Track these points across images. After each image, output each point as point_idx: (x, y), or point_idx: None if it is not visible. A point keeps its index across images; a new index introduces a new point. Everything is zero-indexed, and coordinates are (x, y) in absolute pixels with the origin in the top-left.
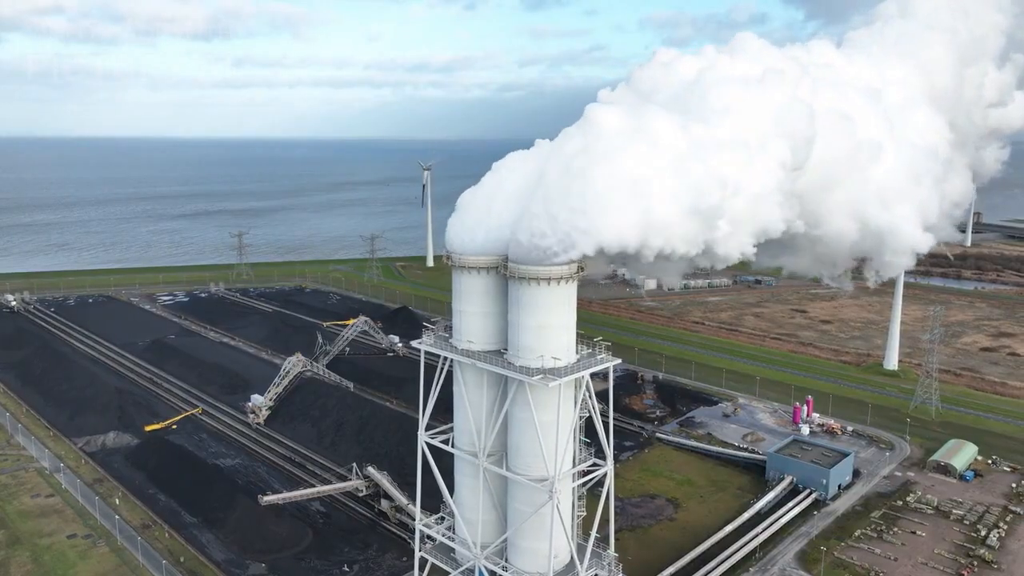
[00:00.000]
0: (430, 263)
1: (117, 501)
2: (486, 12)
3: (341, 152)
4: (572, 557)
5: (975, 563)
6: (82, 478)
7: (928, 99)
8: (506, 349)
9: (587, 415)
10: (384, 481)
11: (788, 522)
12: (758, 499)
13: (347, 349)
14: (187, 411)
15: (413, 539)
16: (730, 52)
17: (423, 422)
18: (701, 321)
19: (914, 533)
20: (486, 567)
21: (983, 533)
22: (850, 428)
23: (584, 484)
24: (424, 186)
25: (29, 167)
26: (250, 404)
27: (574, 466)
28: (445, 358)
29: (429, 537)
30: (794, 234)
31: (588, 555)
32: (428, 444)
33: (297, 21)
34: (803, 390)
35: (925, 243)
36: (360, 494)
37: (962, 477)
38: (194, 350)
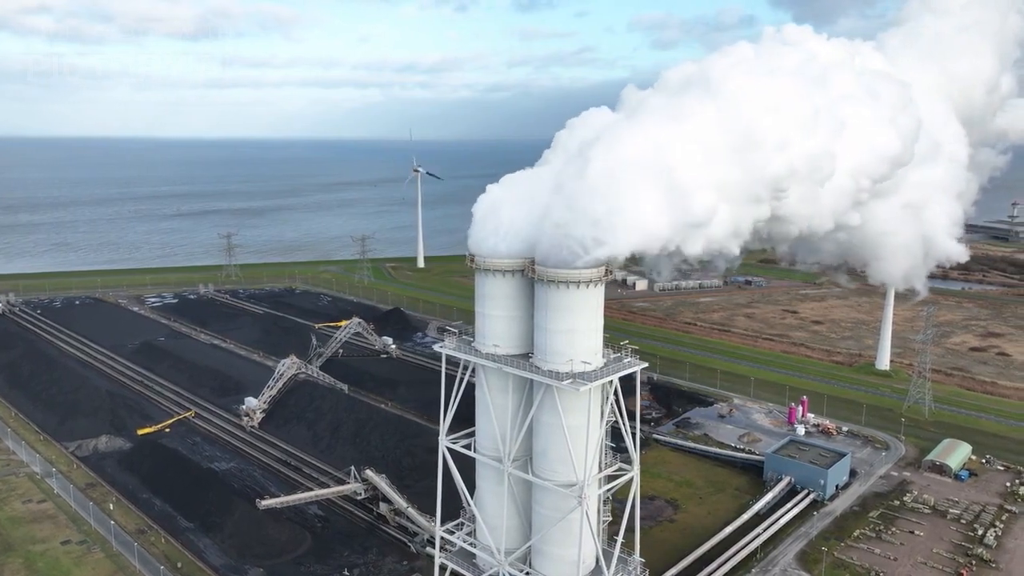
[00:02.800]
0: (420, 264)
1: (111, 506)
2: (477, 14)
3: (327, 152)
4: (599, 562)
5: (973, 562)
6: (74, 483)
7: (956, 107)
8: (532, 352)
9: (613, 419)
10: (383, 484)
11: (787, 523)
12: (757, 500)
13: (340, 351)
14: (180, 414)
15: (413, 542)
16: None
17: (444, 427)
18: (693, 322)
19: (912, 533)
20: (510, 573)
21: (980, 532)
22: (845, 428)
23: (610, 489)
24: (416, 172)
25: (13, 167)
26: (244, 407)
27: (600, 471)
28: (466, 362)
29: (432, 544)
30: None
31: (615, 560)
32: (446, 450)
33: (287, 22)
34: (797, 390)
35: (960, 253)
36: (358, 497)
37: (957, 476)
38: (185, 352)
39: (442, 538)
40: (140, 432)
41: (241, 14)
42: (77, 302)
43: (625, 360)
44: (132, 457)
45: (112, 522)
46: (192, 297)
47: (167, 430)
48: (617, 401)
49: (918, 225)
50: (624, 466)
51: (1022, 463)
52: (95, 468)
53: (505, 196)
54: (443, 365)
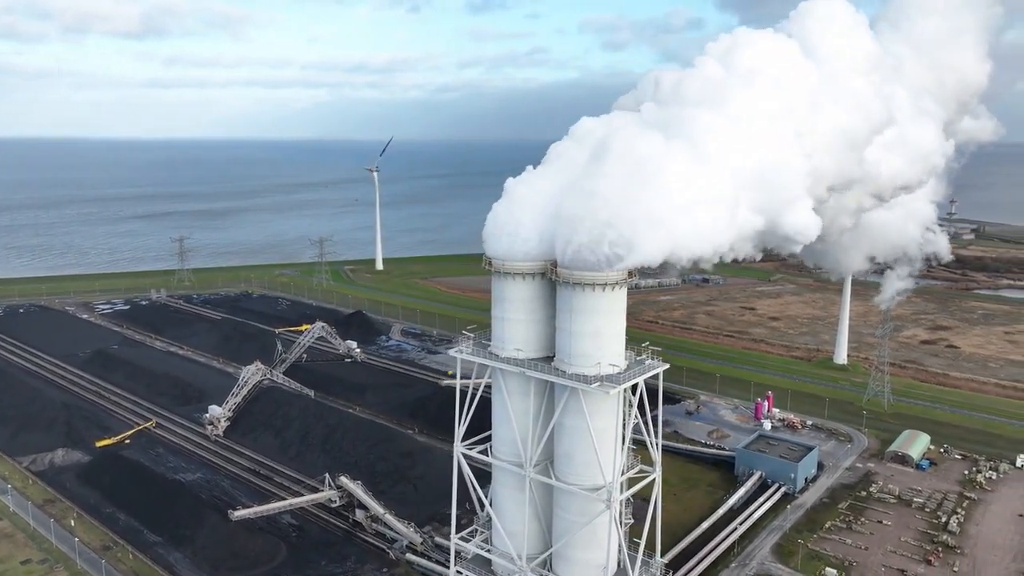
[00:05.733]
0: (379, 266)
1: (72, 522)
2: (430, 15)
3: (275, 153)
4: (621, 565)
5: (940, 549)
6: (31, 499)
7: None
8: (553, 355)
9: (636, 421)
10: (359, 491)
11: (761, 516)
12: (730, 495)
13: (304, 356)
14: (140, 425)
15: (392, 549)
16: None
17: (459, 433)
18: (655, 320)
19: (880, 522)
20: None
21: (944, 519)
22: (809, 422)
23: (633, 491)
24: (373, 172)
25: None
26: (208, 415)
27: (623, 473)
28: (482, 366)
29: (412, 550)
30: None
31: (639, 562)
32: (461, 456)
33: (236, 21)
34: (761, 386)
35: (947, 250)
36: (333, 505)
37: (918, 466)
38: (141, 360)
39: (438, 547)
40: (99, 444)
41: (188, 12)
42: (21, 310)
43: (648, 362)
44: (91, 470)
45: (76, 539)
46: (144, 303)
47: (127, 441)
48: (641, 402)
49: (916, 224)
50: (645, 468)
51: (977, 451)
52: (52, 483)
53: (526, 196)
54: (458, 370)
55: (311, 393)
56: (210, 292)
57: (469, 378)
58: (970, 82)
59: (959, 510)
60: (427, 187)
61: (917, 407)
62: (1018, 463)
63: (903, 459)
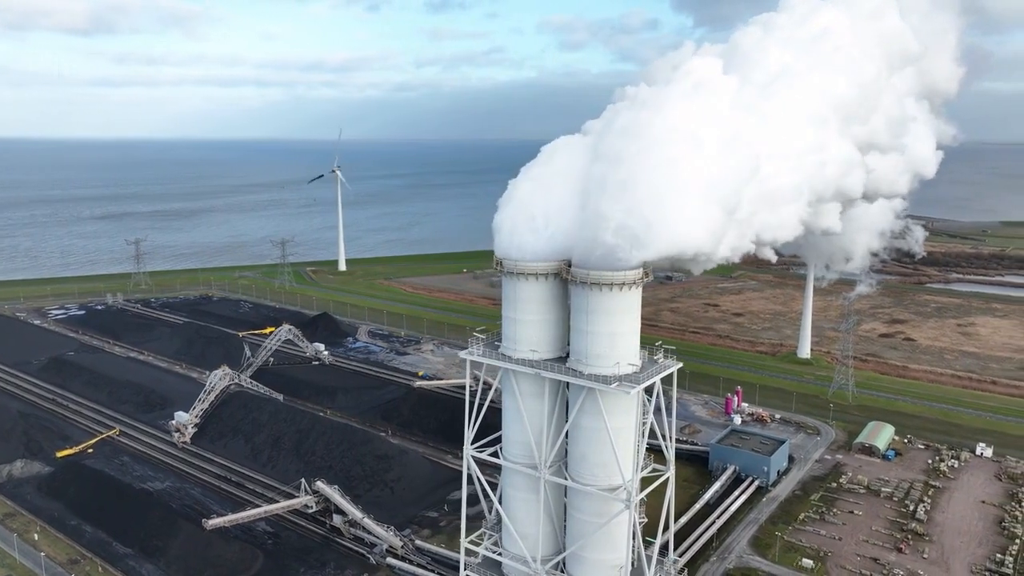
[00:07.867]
0: (342, 267)
1: (36, 536)
2: (389, 14)
3: (228, 153)
4: (635, 564)
5: (909, 537)
6: None
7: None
8: (566, 355)
9: (649, 420)
10: (336, 496)
11: (737, 510)
12: (706, 490)
13: (271, 359)
14: (102, 433)
15: (372, 553)
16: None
17: (469, 435)
18: None
19: (851, 512)
20: None
21: (911, 508)
22: (778, 416)
23: (647, 490)
24: (335, 174)
25: None
26: (174, 422)
27: (639, 473)
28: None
29: (393, 554)
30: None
31: (655, 560)
32: (470, 458)
33: (188, 18)
34: (729, 381)
35: (922, 245)
36: (309, 511)
37: (885, 456)
38: (100, 366)
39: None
40: (60, 455)
41: (138, 9)
42: None
43: (662, 361)
44: (53, 482)
45: (42, 554)
46: (100, 308)
47: (90, 451)
48: (657, 400)
49: (892, 214)
50: (658, 467)
51: (939, 441)
52: (12, 496)
53: (535, 194)
54: (467, 372)
55: (280, 397)
56: (169, 295)
57: (469, 379)
58: (941, 87)
59: (925, 498)
60: (387, 187)
61: (880, 399)
62: (978, 451)
63: (870, 450)
